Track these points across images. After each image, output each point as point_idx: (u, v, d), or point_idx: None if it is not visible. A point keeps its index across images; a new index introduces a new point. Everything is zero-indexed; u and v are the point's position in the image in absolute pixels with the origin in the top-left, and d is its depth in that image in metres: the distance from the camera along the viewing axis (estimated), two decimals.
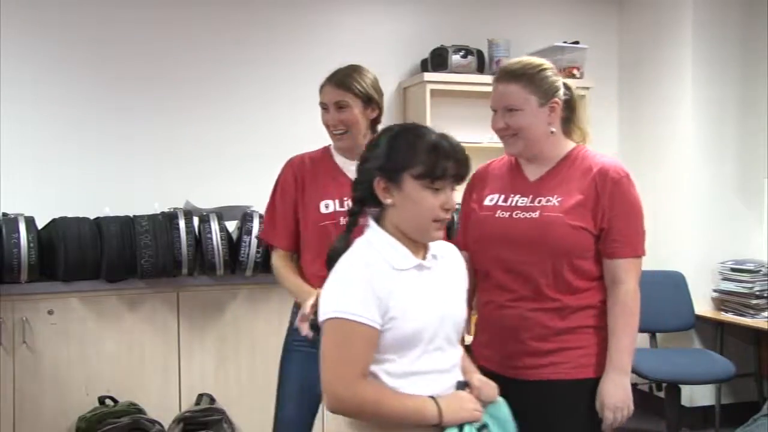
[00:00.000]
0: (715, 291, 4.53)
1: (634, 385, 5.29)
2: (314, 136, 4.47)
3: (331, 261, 1.78)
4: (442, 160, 1.74)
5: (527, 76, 2.10)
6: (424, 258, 1.77)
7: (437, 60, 4.44)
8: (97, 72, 4.06)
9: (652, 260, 4.67)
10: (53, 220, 3.40)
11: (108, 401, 3.38)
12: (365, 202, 1.82)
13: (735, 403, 4.51)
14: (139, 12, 4.13)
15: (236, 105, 4.29)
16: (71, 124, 4.01)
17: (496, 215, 2.15)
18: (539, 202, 2.10)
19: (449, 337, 1.77)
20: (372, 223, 1.79)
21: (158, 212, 3.50)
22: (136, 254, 3.35)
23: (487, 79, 4.55)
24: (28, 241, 3.18)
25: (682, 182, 4.59)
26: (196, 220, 3.52)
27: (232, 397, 3.56)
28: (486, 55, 4.58)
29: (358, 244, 1.78)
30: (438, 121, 4.49)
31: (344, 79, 2.54)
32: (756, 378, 4.49)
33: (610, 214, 2.06)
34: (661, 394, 4.32)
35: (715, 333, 4.52)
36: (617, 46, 5.10)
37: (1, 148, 3.83)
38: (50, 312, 3.35)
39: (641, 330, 4.59)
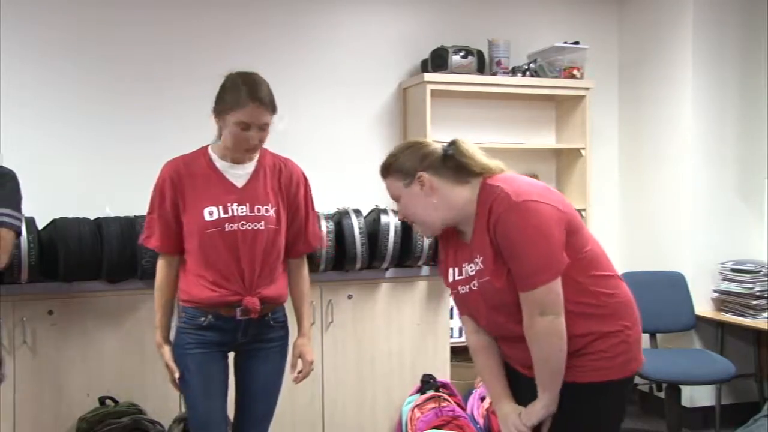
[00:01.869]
0: (715, 291, 4.53)
1: (634, 385, 5.35)
2: (315, 136, 4.50)
3: None
4: None
5: (390, 167, 2.13)
6: None
7: (437, 60, 4.44)
8: (97, 72, 4.06)
9: (653, 260, 4.72)
10: (53, 221, 3.39)
11: (108, 402, 3.38)
12: None
13: (735, 403, 4.51)
14: (140, 13, 4.13)
15: None
16: (71, 125, 4.01)
17: (460, 292, 2.15)
18: (476, 265, 2.07)
19: None
20: None
21: None
22: (137, 255, 3.35)
23: (488, 79, 4.61)
24: (29, 242, 3.18)
25: (683, 182, 4.59)
26: None
27: (232, 396, 3.55)
28: (486, 55, 4.58)
29: None
30: (438, 121, 4.51)
31: (271, 100, 2.49)
32: (756, 378, 4.49)
33: (506, 255, 2.00)
34: (662, 395, 4.32)
35: (716, 333, 4.52)
36: (617, 46, 5.11)
37: (1, 149, 3.83)
38: (50, 312, 3.35)
39: (642, 330, 4.59)
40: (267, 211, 2.53)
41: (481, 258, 2.06)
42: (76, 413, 3.34)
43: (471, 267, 2.10)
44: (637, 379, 4.44)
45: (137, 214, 3.45)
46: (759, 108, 4.58)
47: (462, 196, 2.08)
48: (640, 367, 2.14)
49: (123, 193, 3.95)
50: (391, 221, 3.74)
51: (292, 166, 2.68)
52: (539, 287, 1.96)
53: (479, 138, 4.65)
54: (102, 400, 3.38)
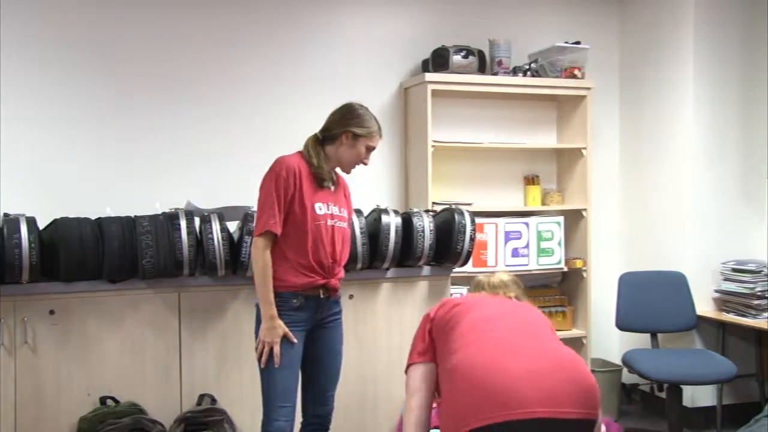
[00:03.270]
0: (716, 291, 4.52)
1: (635, 386, 5.34)
2: None
3: None
4: None
5: None
6: None
7: (438, 60, 4.44)
8: (98, 72, 4.06)
9: (654, 260, 4.72)
10: (54, 221, 3.39)
11: (109, 401, 3.38)
12: None
13: (736, 403, 4.51)
14: (140, 13, 4.13)
15: (238, 105, 4.30)
16: (72, 125, 4.02)
17: None
18: None
19: None
20: None
21: (159, 213, 3.50)
22: (138, 255, 3.35)
23: (489, 79, 4.61)
24: (30, 242, 3.18)
25: (684, 182, 4.59)
26: (197, 221, 3.51)
27: (234, 397, 3.55)
28: (487, 55, 4.58)
29: None
30: (439, 121, 4.51)
31: None
32: (757, 378, 4.49)
33: None
34: (663, 395, 4.32)
35: (717, 333, 4.52)
36: (618, 46, 5.11)
37: (1, 149, 3.83)
38: (51, 312, 3.34)
39: (642, 330, 4.61)
40: (345, 213, 3.14)
41: None
42: (77, 413, 3.33)
43: None
44: (639, 379, 4.44)
45: (138, 214, 3.45)
46: (760, 108, 4.58)
47: None
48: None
49: (123, 192, 3.96)
50: (392, 221, 3.73)
51: (345, 180, 3.25)
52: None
53: (480, 138, 4.65)
54: (103, 400, 3.38)
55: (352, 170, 3.13)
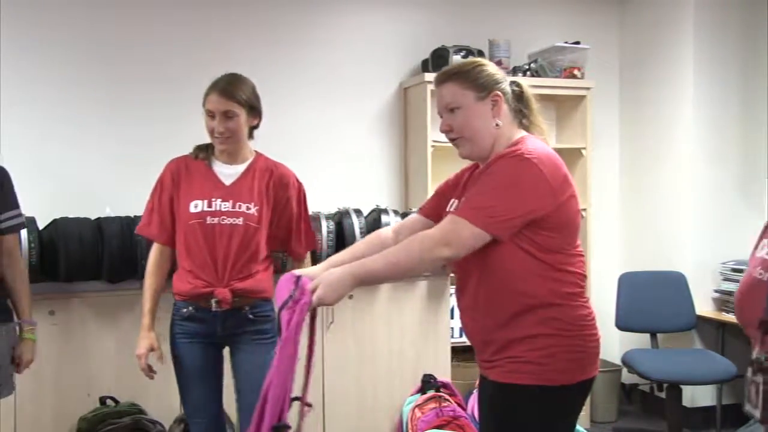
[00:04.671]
0: (716, 291, 4.52)
1: (635, 386, 5.32)
2: (316, 136, 4.47)
3: None
4: None
5: (465, 74, 2.04)
6: None
7: (438, 60, 4.43)
8: (97, 72, 4.06)
9: (654, 260, 4.72)
10: (54, 221, 3.40)
11: (109, 401, 3.38)
12: None
13: (736, 403, 4.50)
14: (140, 12, 4.13)
15: None
16: (72, 125, 4.01)
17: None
18: (452, 205, 2.13)
19: None
20: None
21: None
22: (137, 255, 3.36)
23: None
24: (29, 242, 3.18)
25: (684, 182, 4.59)
26: None
27: (233, 397, 3.54)
28: (487, 55, 4.57)
29: None
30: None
31: (230, 89, 2.63)
32: None
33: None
34: (663, 395, 4.32)
35: (717, 333, 4.52)
36: (618, 46, 5.10)
37: (1, 149, 3.83)
38: (51, 312, 3.35)
39: (642, 330, 4.59)
40: (248, 208, 2.66)
41: (457, 202, 2.08)
42: (77, 413, 3.34)
43: (453, 203, 2.11)
44: (638, 379, 4.44)
45: (137, 214, 3.45)
46: (759, 108, 4.58)
47: (507, 135, 2.02)
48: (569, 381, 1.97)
49: (123, 193, 3.94)
50: (392, 221, 3.73)
51: (282, 170, 2.79)
52: (469, 221, 1.86)
53: None
54: (102, 400, 3.38)
55: (224, 146, 2.67)
